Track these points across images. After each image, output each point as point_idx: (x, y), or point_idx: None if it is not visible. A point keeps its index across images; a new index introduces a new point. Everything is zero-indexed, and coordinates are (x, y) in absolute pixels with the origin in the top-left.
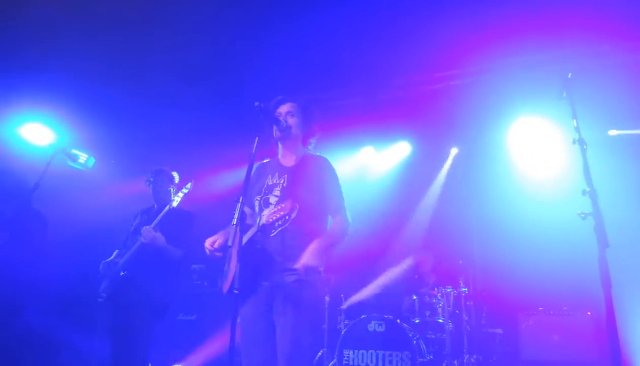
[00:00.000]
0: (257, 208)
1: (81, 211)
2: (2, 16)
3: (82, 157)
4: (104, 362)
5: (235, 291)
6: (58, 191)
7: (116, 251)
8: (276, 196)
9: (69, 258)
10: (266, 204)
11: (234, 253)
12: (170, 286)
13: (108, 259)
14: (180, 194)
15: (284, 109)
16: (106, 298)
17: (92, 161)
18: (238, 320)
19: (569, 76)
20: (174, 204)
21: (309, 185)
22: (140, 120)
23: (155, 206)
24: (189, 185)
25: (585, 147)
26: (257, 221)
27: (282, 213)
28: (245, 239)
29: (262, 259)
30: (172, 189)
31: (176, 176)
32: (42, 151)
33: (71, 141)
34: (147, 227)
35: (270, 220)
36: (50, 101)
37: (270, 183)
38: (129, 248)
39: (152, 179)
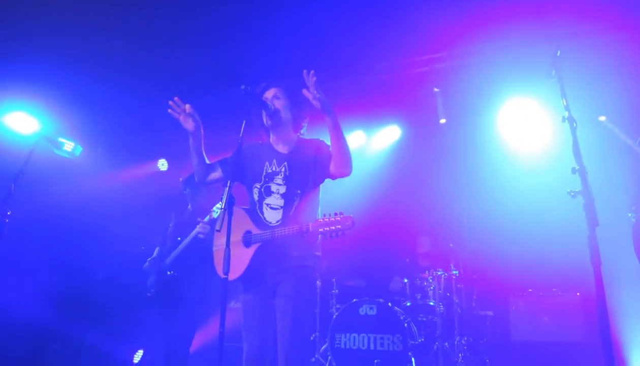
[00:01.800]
0: (256, 196)
1: (67, 199)
2: None
3: (68, 145)
4: (97, 353)
5: (224, 276)
6: (44, 179)
7: (157, 248)
8: (278, 184)
9: (55, 246)
10: (268, 192)
11: (223, 239)
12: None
13: (152, 257)
14: (219, 204)
15: (269, 94)
16: (155, 294)
17: (80, 149)
18: (232, 304)
19: (558, 54)
20: (214, 215)
21: (309, 170)
22: (128, 109)
23: (190, 207)
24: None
25: (575, 125)
26: (308, 225)
27: (337, 226)
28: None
29: (274, 248)
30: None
31: (165, 164)
32: (27, 139)
33: (57, 129)
34: (203, 223)
35: (321, 230)
36: (35, 90)
37: (270, 171)
38: (171, 248)
39: (189, 184)
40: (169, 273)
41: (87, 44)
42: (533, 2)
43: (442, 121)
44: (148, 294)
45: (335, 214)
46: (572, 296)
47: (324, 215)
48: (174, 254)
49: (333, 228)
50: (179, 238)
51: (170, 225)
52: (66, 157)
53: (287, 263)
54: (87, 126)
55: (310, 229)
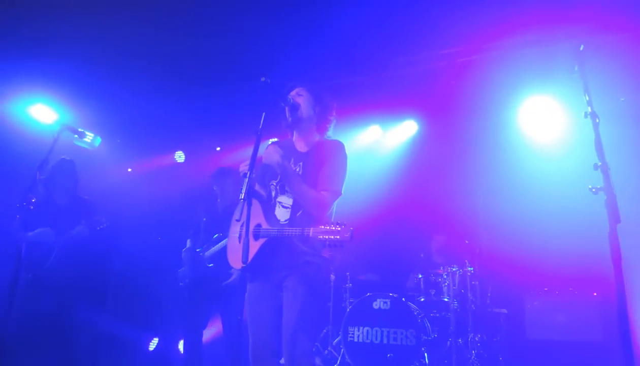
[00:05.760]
0: (273, 192)
1: (88, 188)
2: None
3: (89, 135)
4: (115, 341)
5: (243, 264)
6: None
7: (189, 240)
8: None
9: None
10: (282, 190)
11: (238, 228)
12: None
13: (187, 248)
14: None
15: (293, 93)
16: (189, 284)
17: (99, 140)
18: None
19: (581, 49)
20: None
21: (321, 171)
22: (146, 101)
23: (219, 200)
24: None
25: (597, 120)
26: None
27: (336, 237)
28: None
29: (279, 244)
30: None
31: (182, 156)
32: (49, 129)
33: (77, 121)
34: None
35: (320, 237)
36: (57, 84)
37: None
38: (205, 241)
39: (217, 181)
40: (209, 265)
41: (106, 39)
42: None
43: None
44: (181, 283)
45: (337, 224)
46: (588, 296)
47: (326, 223)
48: (214, 248)
49: (332, 237)
50: (216, 235)
51: (204, 219)
52: (85, 148)
53: (294, 259)
54: (105, 118)
55: (311, 234)
